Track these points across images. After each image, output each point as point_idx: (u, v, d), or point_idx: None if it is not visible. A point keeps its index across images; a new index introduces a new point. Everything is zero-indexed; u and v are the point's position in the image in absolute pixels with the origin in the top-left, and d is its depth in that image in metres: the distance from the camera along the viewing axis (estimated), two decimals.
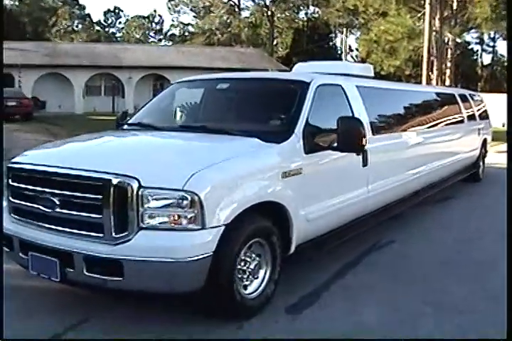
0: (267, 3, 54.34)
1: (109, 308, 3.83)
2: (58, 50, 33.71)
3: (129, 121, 5.08)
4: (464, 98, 9.26)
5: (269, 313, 3.75)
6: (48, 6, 56.82)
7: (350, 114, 4.89)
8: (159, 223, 3.23)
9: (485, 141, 10.16)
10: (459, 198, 8.35)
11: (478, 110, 10.10)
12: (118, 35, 74.87)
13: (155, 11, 75.52)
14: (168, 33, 72.38)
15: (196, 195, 3.19)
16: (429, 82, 23.73)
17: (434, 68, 25.67)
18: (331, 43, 59.73)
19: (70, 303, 3.93)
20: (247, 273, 3.64)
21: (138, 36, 73.25)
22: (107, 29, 74.28)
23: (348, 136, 4.04)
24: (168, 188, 3.22)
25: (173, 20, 68.88)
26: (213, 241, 3.28)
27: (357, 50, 59.31)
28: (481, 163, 10.07)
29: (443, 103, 7.84)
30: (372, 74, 6.57)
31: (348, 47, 58.02)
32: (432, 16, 22.67)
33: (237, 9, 56.26)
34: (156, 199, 3.22)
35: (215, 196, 3.29)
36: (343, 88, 4.97)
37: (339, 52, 59.82)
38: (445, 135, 7.49)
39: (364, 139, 4.08)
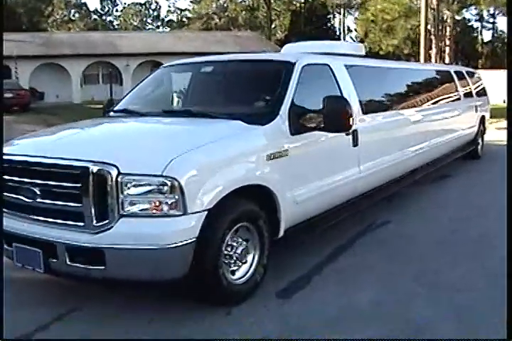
0: None
1: (101, 297, 3.79)
2: (54, 39, 33.43)
3: (115, 108, 4.99)
4: (460, 75, 9.12)
5: (259, 298, 3.70)
6: None
7: (339, 94, 4.80)
8: (140, 210, 3.17)
9: (483, 118, 10.02)
10: (457, 176, 8.27)
11: (476, 87, 9.96)
12: (115, 23, 74.37)
13: None
14: (166, 20, 71.82)
15: (176, 180, 3.11)
16: (427, 60, 23.44)
17: (433, 46, 25.36)
18: (329, 24, 58.99)
19: (62, 293, 3.90)
20: (234, 258, 3.58)
21: (135, 23, 72.69)
22: (104, 17, 73.70)
23: (335, 116, 3.95)
24: (147, 174, 3.15)
25: (169, 6, 68.15)
26: (196, 226, 3.21)
27: (355, 30, 58.78)
28: (480, 140, 9.95)
29: (438, 80, 7.73)
30: (363, 53, 6.45)
31: (346, 27, 57.45)
32: None
33: None
34: (135, 186, 3.15)
35: (196, 181, 3.22)
36: (330, 67, 4.86)
37: (338, 33, 59.27)
38: (440, 112, 7.37)
39: (351, 119, 3.98)
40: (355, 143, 4.85)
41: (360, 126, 4.97)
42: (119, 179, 3.15)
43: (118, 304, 3.70)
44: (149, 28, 70.56)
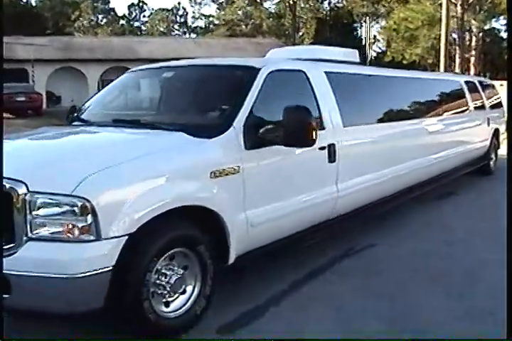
0: None
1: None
2: (73, 44, 33.61)
3: (73, 115, 4.63)
4: (471, 85, 8.55)
5: (197, 333, 3.25)
6: (71, 1, 57.00)
7: (314, 103, 4.35)
8: (49, 233, 2.76)
9: (497, 131, 9.40)
10: (464, 194, 7.62)
11: (489, 98, 9.36)
12: (143, 28, 74.94)
13: (179, 3, 75.28)
14: (193, 26, 72.05)
15: (88, 201, 2.70)
16: (450, 70, 22.75)
17: (457, 56, 24.63)
18: (355, 33, 58.44)
19: None
20: (168, 288, 3.15)
21: (162, 29, 73.19)
22: (131, 23, 74.39)
23: (294, 129, 3.49)
24: (57, 193, 2.74)
25: (194, 12, 68.27)
26: (112, 253, 2.79)
27: (378, 40, 58.05)
28: (493, 155, 9.32)
29: (442, 90, 7.17)
30: (358, 60, 5.99)
31: (372, 36, 56.76)
32: (450, 2, 21.61)
33: (258, 0, 55.42)
34: (45, 206, 2.75)
35: (113, 202, 2.80)
36: (305, 74, 4.40)
37: (364, 42, 58.56)
38: (443, 125, 6.83)
39: (314, 132, 3.51)
40: (332, 159, 4.37)
41: (340, 140, 4.50)
42: (27, 197, 2.76)
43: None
44: (176, 34, 70.93)
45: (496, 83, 11.43)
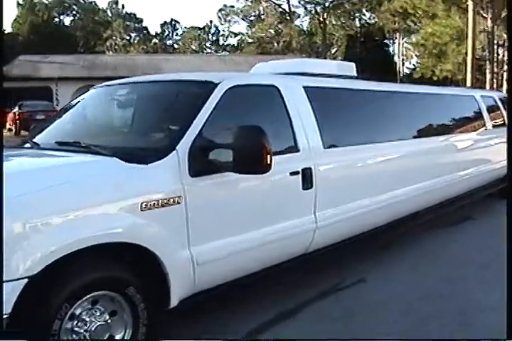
0: (318, 10, 53.23)
1: None
2: (97, 62, 33.98)
3: (29, 137, 4.29)
4: (488, 101, 7.92)
5: None
6: (102, 20, 58.20)
7: (287, 123, 3.89)
8: None
9: None
10: (482, 218, 6.91)
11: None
12: (175, 46, 75.93)
13: (211, 21, 75.90)
14: (225, 44, 72.57)
15: None
16: (480, 85, 21.96)
17: (487, 71, 23.78)
18: (385, 49, 57.65)
19: None
20: (88, 337, 2.70)
21: (194, 47, 74.02)
22: (164, 41, 75.51)
23: (246, 153, 3.03)
24: None
25: (223, 30, 68.77)
26: (8, 300, 2.37)
27: (417, 56, 57.08)
28: None
29: (451, 106, 6.57)
30: (355, 74, 5.49)
31: (404, 53, 55.91)
32: (478, 15, 20.91)
33: (288, 17, 55.43)
34: None
35: (9, 238, 2.38)
36: (278, 90, 3.95)
37: (396, 58, 57.73)
38: (451, 144, 6.26)
39: (268, 157, 3.04)
40: (308, 185, 3.88)
41: (319, 163, 4.01)
42: None
43: None
44: (208, 52, 71.51)
45: None
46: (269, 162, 3.05)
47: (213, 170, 3.18)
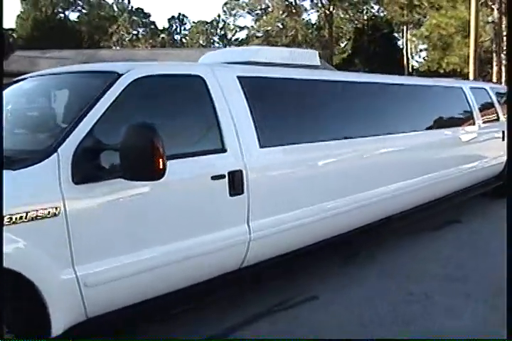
0: (324, 3, 52.34)
1: None
2: (97, 57, 33.36)
3: None
4: (478, 93, 7.32)
5: None
6: (108, 15, 57.72)
7: (213, 118, 3.38)
8: None
9: None
10: (469, 222, 6.29)
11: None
12: (184, 41, 75.34)
13: (218, 16, 75.01)
14: (233, 38, 71.78)
15: None
16: (483, 79, 21.22)
17: (494, 64, 23.02)
18: (395, 42, 56.61)
19: None
20: None
21: (201, 42, 73.46)
22: (172, 36, 75.05)
23: (133, 156, 2.53)
24: None
25: (228, 24, 68.00)
26: None
27: (425, 49, 55.95)
28: None
29: (427, 99, 5.93)
30: (318, 63, 4.95)
31: (411, 46, 54.89)
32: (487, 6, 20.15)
33: (294, 11, 54.60)
34: None
35: None
36: (204, 80, 3.43)
37: (404, 52, 56.66)
38: (431, 140, 5.69)
39: (161, 160, 2.53)
40: (237, 191, 3.36)
41: (252, 165, 3.50)
42: None
43: None
44: (215, 47, 70.78)
45: None
46: (161, 166, 2.54)
47: (106, 176, 2.68)
